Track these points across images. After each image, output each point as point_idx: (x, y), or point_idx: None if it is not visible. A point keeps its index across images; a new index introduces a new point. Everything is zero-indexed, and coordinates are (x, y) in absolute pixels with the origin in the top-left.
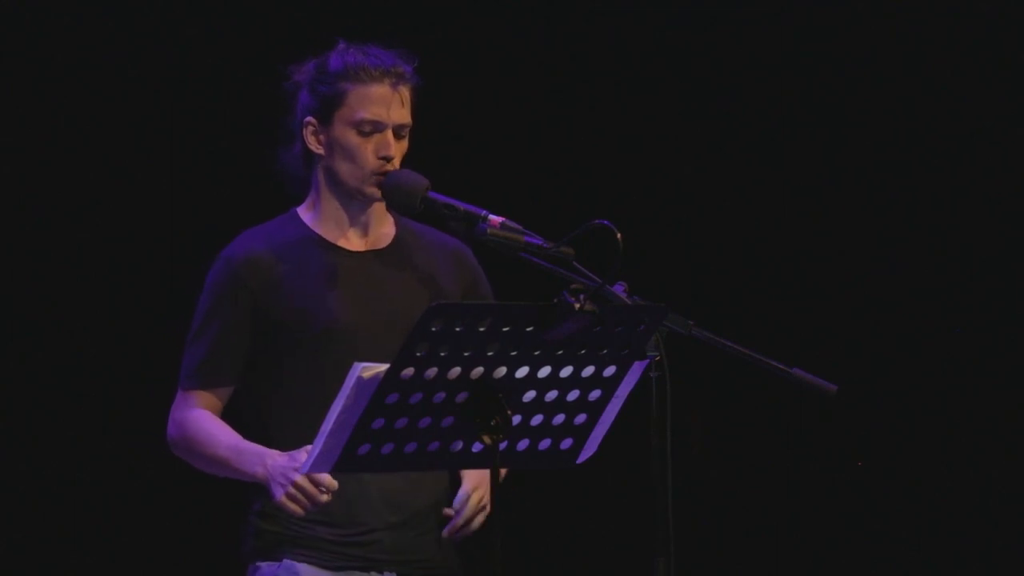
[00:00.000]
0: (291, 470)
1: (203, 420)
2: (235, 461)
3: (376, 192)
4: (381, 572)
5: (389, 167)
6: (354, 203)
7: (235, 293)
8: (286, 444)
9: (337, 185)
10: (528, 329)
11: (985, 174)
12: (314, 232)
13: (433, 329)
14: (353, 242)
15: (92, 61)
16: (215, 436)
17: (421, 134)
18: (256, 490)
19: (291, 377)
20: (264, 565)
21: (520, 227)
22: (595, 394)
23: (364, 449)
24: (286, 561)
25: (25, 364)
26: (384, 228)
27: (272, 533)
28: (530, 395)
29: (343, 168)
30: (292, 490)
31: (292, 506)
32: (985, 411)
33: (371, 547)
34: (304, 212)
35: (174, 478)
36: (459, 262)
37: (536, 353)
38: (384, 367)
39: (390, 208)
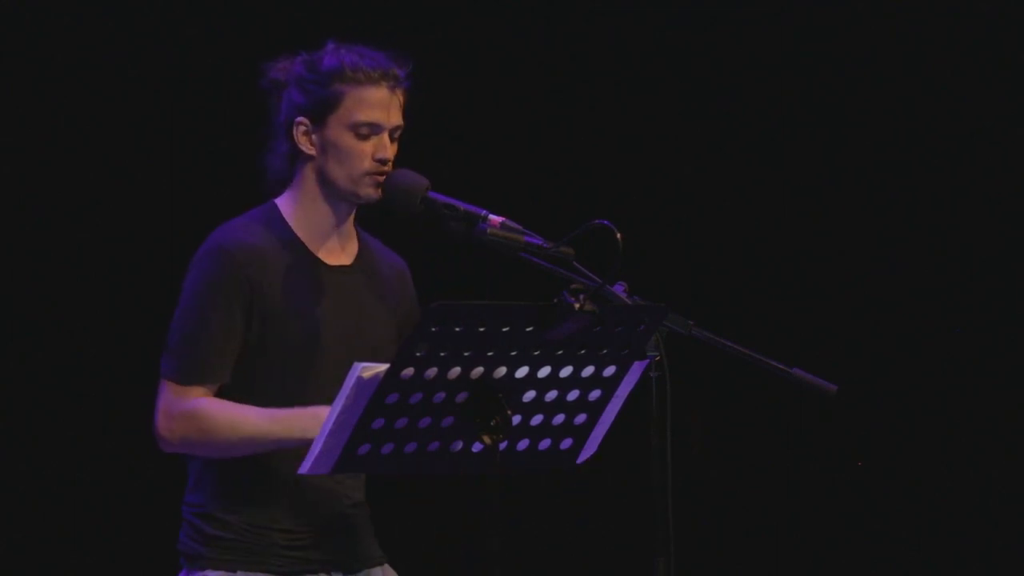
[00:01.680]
0: None
1: (216, 404)
2: (278, 430)
3: (371, 193)
4: (329, 573)
5: (386, 169)
6: (340, 207)
7: (234, 284)
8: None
9: (327, 186)
10: (528, 329)
11: (985, 174)
12: (296, 237)
13: (433, 329)
14: (330, 253)
15: (92, 61)
16: (242, 413)
17: (421, 134)
18: (199, 487)
19: (263, 381)
20: (215, 575)
21: (520, 227)
22: (595, 394)
23: (364, 449)
24: (240, 573)
25: (25, 364)
26: (353, 241)
27: (223, 540)
28: (530, 395)
29: (337, 170)
30: None
31: None
32: (985, 411)
33: (318, 550)
34: (285, 209)
35: (174, 478)
36: (405, 283)
37: (536, 353)
38: (384, 367)
39: (357, 222)
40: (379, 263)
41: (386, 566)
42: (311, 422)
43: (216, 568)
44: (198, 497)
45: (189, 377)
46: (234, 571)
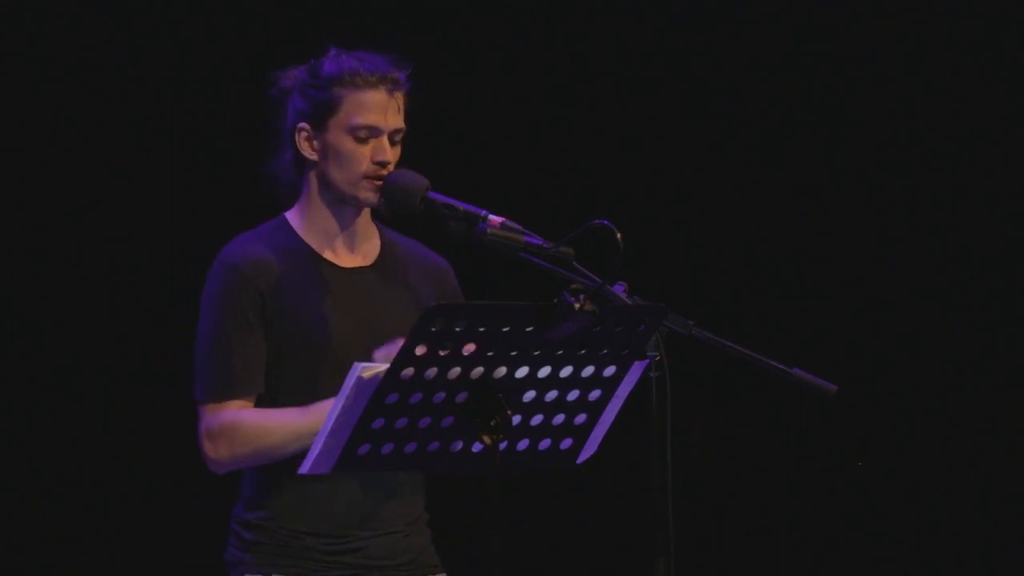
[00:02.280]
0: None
1: (253, 412)
2: (321, 419)
3: (371, 196)
4: None
5: (385, 172)
6: (345, 210)
7: (249, 296)
8: None
9: (329, 191)
10: (528, 329)
11: (985, 174)
12: (305, 243)
13: (433, 329)
14: (341, 256)
15: (92, 61)
16: (280, 415)
17: (422, 134)
18: (242, 497)
19: (278, 384)
20: None
21: (520, 227)
22: (595, 394)
23: (364, 449)
24: None
25: (25, 364)
26: (370, 242)
27: (261, 545)
28: (530, 395)
29: (337, 174)
30: None
31: None
32: (985, 411)
33: (358, 554)
34: (294, 219)
35: (174, 478)
36: (440, 281)
37: (536, 353)
38: (384, 367)
39: (375, 217)
40: (407, 263)
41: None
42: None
43: (254, 572)
44: (244, 507)
45: (222, 394)
46: (270, 575)
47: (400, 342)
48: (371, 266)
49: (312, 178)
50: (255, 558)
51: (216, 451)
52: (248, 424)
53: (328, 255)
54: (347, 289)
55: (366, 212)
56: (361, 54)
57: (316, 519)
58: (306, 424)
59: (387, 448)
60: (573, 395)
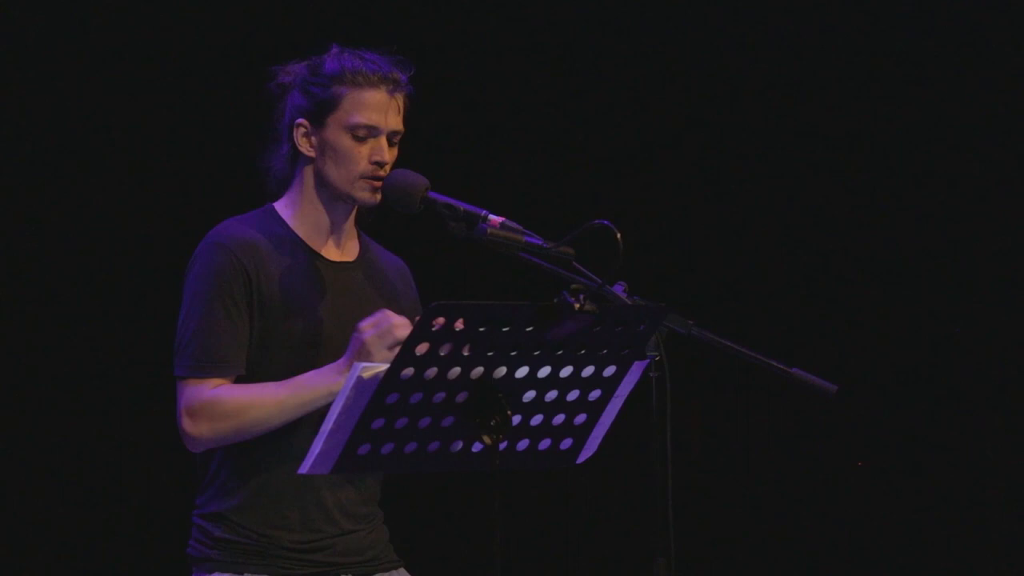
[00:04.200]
0: (386, 328)
1: (233, 388)
2: (303, 394)
3: (367, 196)
4: (338, 575)
5: (381, 173)
6: (338, 208)
7: (237, 276)
8: (254, 443)
9: (325, 188)
10: (528, 329)
11: (985, 174)
12: (295, 234)
13: (433, 329)
14: (330, 251)
15: (92, 61)
16: (262, 389)
17: (422, 134)
18: (209, 491)
19: (265, 376)
20: None
21: (520, 227)
22: (595, 394)
23: (364, 449)
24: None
25: (25, 364)
26: (354, 240)
27: (232, 543)
28: (530, 395)
29: (333, 171)
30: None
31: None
32: (985, 411)
33: (328, 552)
34: (283, 210)
35: (174, 478)
36: (408, 282)
37: (536, 353)
38: (384, 367)
39: (359, 223)
40: (382, 261)
41: (401, 570)
42: (331, 376)
43: (224, 571)
44: (208, 500)
45: (205, 370)
46: (241, 574)
47: (385, 313)
48: (354, 262)
49: (307, 174)
50: (226, 556)
51: (196, 428)
52: (228, 400)
53: (320, 249)
54: (334, 283)
55: (354, 211)
56: (364, 53)
57: (289, 518)
58: (288, 397)
59: (387, 448)
60: (573, 395)
